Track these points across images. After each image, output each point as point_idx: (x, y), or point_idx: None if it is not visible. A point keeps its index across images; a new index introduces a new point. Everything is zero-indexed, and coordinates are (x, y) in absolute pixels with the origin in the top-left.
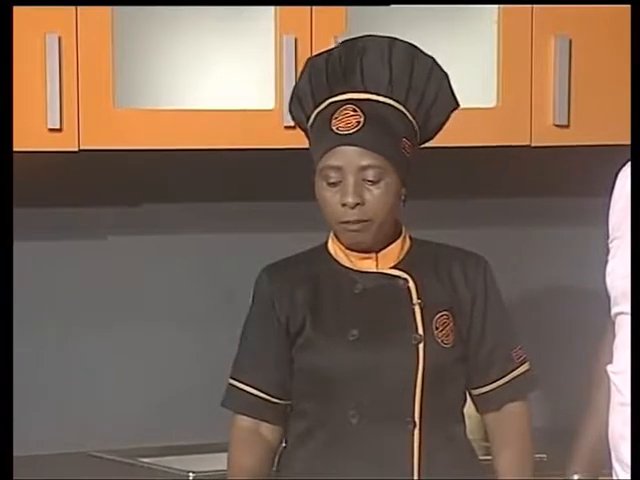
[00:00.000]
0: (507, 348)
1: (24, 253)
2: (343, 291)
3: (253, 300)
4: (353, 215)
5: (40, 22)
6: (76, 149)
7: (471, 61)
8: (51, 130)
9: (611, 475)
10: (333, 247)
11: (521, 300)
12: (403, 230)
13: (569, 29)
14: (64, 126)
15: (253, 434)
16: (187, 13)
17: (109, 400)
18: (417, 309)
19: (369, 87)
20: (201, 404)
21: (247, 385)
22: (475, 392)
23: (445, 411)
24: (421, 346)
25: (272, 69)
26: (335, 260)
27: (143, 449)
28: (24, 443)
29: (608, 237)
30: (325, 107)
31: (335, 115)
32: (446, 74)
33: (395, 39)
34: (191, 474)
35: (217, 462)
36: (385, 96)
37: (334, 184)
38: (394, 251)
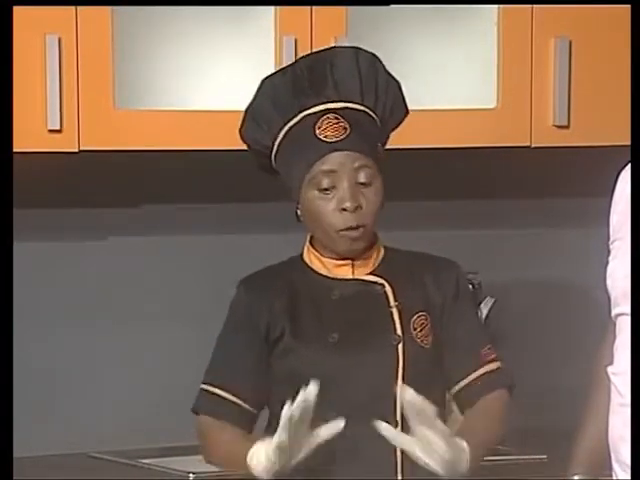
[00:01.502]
0: (477, 346)
1: (24, 253)
2: (321, 298)
3: (230, 311)
4: (353, 221)
5: (40, 22)
6: (76, 150)
7: (471, 62)
8: (51, 131)
9: (611, 476)
10: (309, 256)
11: (521, 301)
12: (378, 237)
13: (569, 30)
14: (64, 127)
15: (219, 424)
16: (187, 14)
17: (109, 401)
18: (395, 311)
19: (343, 96)
20: None
21: (218, 388)
22: (452, 391)
23: None
24: (400, 346)
25: (272, 70)
26: (311, 269)
27: (143, 450)
28: (24, 444)
29: (609, 238)
30: (299, 120)
31: (318, 125)
32: (398, 82)
33: (359, 49)
34: (191, 475)
35: None
36: (359, 104)
37: (327, 190)
38: (370, 258)
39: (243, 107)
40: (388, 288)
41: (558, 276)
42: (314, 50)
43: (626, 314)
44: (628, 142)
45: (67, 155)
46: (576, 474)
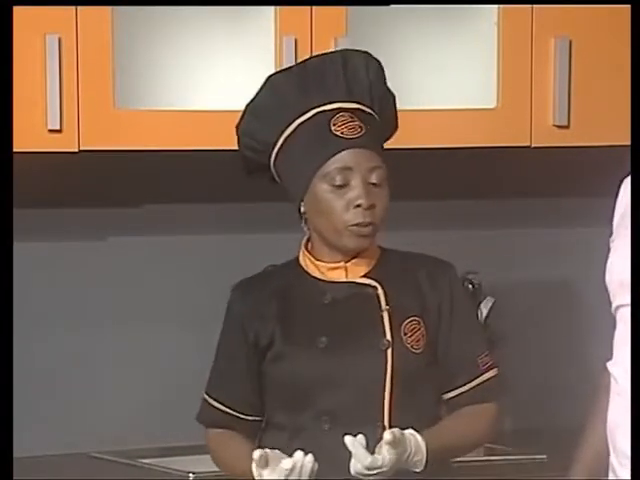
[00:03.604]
0: (473, 354)
1: (24, 253)
2: (313, 302)
3: (224, 318)
4: (366, 217)
5: (40, 22)
6: (76, 150)
7: (471, 61)
8: (51, 131)
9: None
10: (304, 259)
11: (521, 301)
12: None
13: (569, 30)
14: (64, 127)
15: (227, 434)
16: (187, 13)
17: (109, 401)
18: (385, 315)
19: (354, 97)
20: None
21: (215, 400)
22: (444, 397)
23: (416, 415)
24: (389, 351)
25: (272, 70)
26: (306, 272)
27: (143, 450)
28: (24, 444)
29: (610, 236)
30: (312, 116)
31: (333, 122)
32: (394, 96)
33: (368, 54)
34: (191, 475)
35: None
36: (368, 107)
37: (340, 187)
38: (364, 260)
39: (243, 108)
40: (380, 291)
41: (558, 276)
42: (314, 50)
43: (624, 305)
44: (628, 142)
45: (67, 155)
46: (578, 475)
